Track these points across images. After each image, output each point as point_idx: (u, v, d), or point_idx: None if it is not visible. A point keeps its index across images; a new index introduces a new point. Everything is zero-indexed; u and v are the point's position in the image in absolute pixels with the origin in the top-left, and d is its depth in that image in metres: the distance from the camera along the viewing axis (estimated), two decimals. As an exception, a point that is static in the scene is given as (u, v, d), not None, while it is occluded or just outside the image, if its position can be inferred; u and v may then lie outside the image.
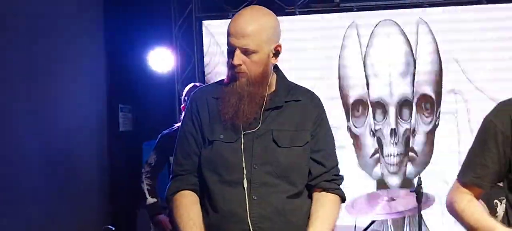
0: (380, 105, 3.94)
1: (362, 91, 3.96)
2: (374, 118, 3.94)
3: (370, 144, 3.92)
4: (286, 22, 3.95)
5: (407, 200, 2.70)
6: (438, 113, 3.88)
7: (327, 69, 3.98)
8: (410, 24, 3.89)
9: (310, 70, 3.97)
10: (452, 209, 1.57)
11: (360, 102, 3.96)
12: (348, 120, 3.96)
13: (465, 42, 3.83)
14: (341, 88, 3.99)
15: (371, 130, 3.93)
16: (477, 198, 1.56)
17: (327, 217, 1.67)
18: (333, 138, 1.77)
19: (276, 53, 1.72)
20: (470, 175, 1.55)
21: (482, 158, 1.53)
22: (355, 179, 3.85)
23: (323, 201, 1.69)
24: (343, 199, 1.74)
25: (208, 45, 4.04)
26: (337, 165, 1.75)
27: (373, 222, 2.86)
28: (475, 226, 1.49)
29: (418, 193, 2.35)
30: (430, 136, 3.88)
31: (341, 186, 1.74)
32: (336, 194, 1.72)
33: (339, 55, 3.98)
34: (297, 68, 3.95)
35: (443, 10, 3.88)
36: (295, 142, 1.68)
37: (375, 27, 3.92)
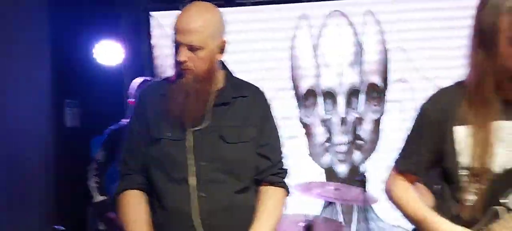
0: (330, 95, 4.01)
1: (313, 82, 4.01)
2: (324, 107, 4.00)
3: (320, 133, 3.99)
4: (237, 13, 3.95)
5: (352, 192, 2.78)
6: (385, 102, 3.99)
7: (278, 60, 4.00)
8: (358, 15, 3.96)
9: (261, 61, 3.98)
10: (390, 197, 1.63)
11: (311, 93, 4.01)
12: (299, 110, 4.01)
13: (412, 31, 3.94)
14: (292, 79, 4.02)
15: (321, 119, 3.99)
16: (413, 184, 1.62)
17: (272, 210, 1.70)
18: (278, 132, 1.80)
19: (222, 49, 1.72)
20: (405, 163, 1.61)
21: (416, 145, 1.58)
22: (306, 168, 3.91)
23: (269, 194, 1.72)
24: (288, 192, 1.77)
25: (157, 37, 3.96)
26: (282, 158, 1.78)
27: (325, 206, 2.92)
28: (410, 214, 1.55)
29: (363, 181, 2.42)
30: (377, 123, 3.99)
31: (286, 179, 1.78)
32: (281, 187, 1.75)
33: (291, 46, 4.01)
34: (248, 59, 3.96)
35: (391, 1, 3.97)
36: (242, 137, 1.70)
37: (324, 18, 3.97)
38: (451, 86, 1.57)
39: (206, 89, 1.68)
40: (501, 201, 1.41)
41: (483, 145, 1.42)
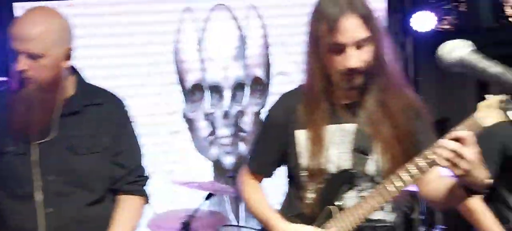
0: (216, 89, 4.04)
1: (199, 76, 4.01)
2: (210, 101, 4.03)
3: (204, 127, 4.02)
4: (115, 5, 3.81)
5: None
6: (268, 95, 4.11)
7: (161, 54, 3.94)
8: (241, 9, 4.02)
9: (144, 55, 3.89)
10: (242, 196, 1.70)
11: (198, 87, 4.01)
12: (185, 104, 3.99)
13: (293, 26, 4.07)
14: (178, 73, 3.99)
15: (205, 113, 4.02)
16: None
17: (128, 220, 1.69)
18: (136, 139, 1.78)
19: (68, 56, 1.64)
20: (253, 163, 1.69)
21: (263, 147, 1.67)
22: (192, 162, 3.93)
23: (126, 204, 1.70)
24: (147, 200, 1.76)
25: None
26: (140, 165, 1.76)
27: (209, 196, 2.95)
28: (257, 214, 1.64)
29: (235, 177, 2.48)
30: (257, 115, 4.10)
31: (145, 186, 1.77)
32: (139, 195, 1.73)
33: (175, 40, 3.96)
34: (130, 54, 3.85)
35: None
36: (94, 147, 1.65)
37: (209, 11, 3.98)
38: (295, 89, 1.65)
39: (51, 99, 1.61)
40: (335, 203, 1.51)
41: (318, 147, 1.51)
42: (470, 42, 1.19)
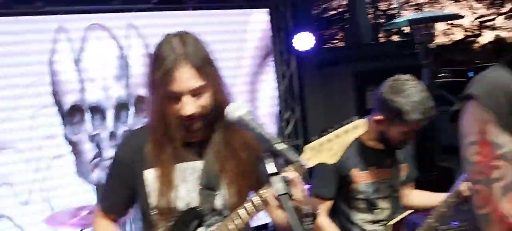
0: (97, 110, 3.90)
1: (77, 97, 3.85)
2: (92, 122, 3.88)
3: (88, 150, 3.86)
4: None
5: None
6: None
7: (37, 75, 3.72)
8: (120, 29, 3.93)
9: (18, 77, 3.67)
10: None
11: (77, 108, 3.84)
12: (64, 127, 3.81)
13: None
14: (55, 95, 3.79)
15: (90, 135, 3.87)
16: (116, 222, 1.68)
17: None
18: None
19: None
20: (104, 203, 1.66)
21: (112, 187, 1.64)
22: (74, 187, 3.76)
23: None
24: None
25: None
26: None
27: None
28: None
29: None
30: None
31: None
32: None
33: (50, 61, 3.77)
34: (2, 75, 3.61)
35: (150, 15, 4.04)
36: None
37: (85, 31, 3.84)
38: (141, 128, 1.63)
39: None
40: None
41: (167, 185, 1.51)
42: (247, 105, 1.37)
